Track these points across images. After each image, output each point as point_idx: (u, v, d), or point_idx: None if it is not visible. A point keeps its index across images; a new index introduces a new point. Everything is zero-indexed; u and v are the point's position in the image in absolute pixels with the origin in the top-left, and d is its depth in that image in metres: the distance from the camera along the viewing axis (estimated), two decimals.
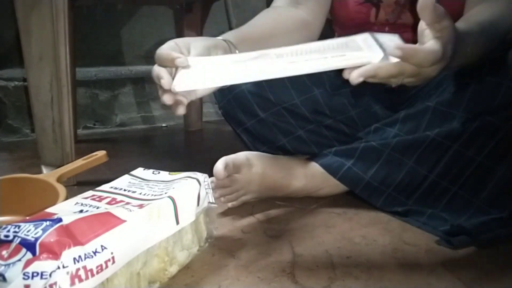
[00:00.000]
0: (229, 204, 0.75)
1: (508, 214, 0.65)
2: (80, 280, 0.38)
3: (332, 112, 0.81)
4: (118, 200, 0.52)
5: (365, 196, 0.75)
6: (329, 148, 0.79)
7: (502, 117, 0.64)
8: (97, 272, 0.39)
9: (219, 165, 0.70)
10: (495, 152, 0.66)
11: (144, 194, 0.54)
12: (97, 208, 0.48)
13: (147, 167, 0.65)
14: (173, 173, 0.62)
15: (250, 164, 0.75)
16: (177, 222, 0.52)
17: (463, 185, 0.68)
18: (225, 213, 0.73)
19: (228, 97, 0.81)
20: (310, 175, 0.78)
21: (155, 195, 0.53)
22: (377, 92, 0.85)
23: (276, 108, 0.79)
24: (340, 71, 0.87)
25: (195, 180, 0.58)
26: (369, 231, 0.67)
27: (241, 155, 0.75)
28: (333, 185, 0.77)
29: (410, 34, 0.85)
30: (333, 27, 1.01)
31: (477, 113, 0.66)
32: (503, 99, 0.64)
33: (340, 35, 0.99)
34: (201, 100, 1.57)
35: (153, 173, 0.63)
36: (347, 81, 0.87)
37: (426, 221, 0.69)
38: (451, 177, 0.69)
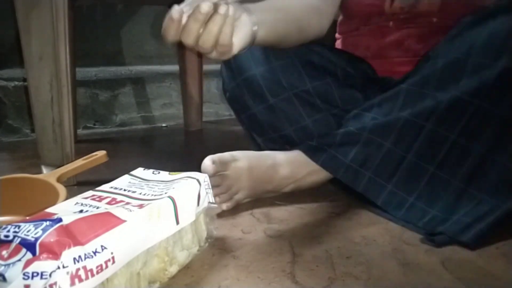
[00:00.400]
0: (224, 206, 0.74)
1: (488, 210, 0.65)
2: (80, 280, 0.38)
3: (342, 102, 0.82)
4: (118, 200, 0.52)
5: (347, 181, 0.76)
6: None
7: (470, 92, 0.65)
8: (97, 272, 0.39)
9: (207, 161, 0.71)
10: (468, 129, 0.67)
11: (144, 194, 0.54)
12: (97, 208, 0.48)
13: (147, 167, 0.65)
14: (173, 173, 0.62)
15: (235, 160, 0.75)
16: (177, 222, 0.52)
17: (440, 165, 0.69)
18: (225, 213, 0.73)
19: (238, 80, 0.82)
20: (294, 162, 0.78)
21: (155, 195, 0.53)
22: (386, 83, 0.86)
23: (287, 94, 0.79)
24: (350, 60, 0.88)
25: (195, 180, 0.58)
26: (369, 231, 0.67)
27: (226, 153, 0.75)
28: (317, 171, 0.78)
29: (425, 25, 0.86)
30: (338, 27, 1.01)
31: (446, 89, 0.67)
32: (470, 75, 0.65)
33: (344, 34, 0.99)
34: (201, 100, 1.57)
35: (153, 173, 0.63)
36: (355, 72, 0.88)
37: (406, 215, 0.70)
38: (428, 156, 0.70)
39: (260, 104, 0.81)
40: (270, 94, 0.80)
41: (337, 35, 1.02)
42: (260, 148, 0.88)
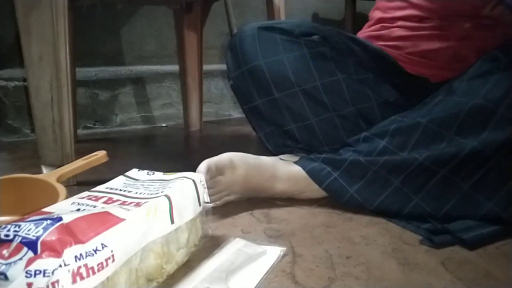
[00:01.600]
0: (212, 204, 0.73)
1: (489, 216, 0.65)
2: (82, 278, 0.38)
3: (352, 101, 0.78)
4: (114, 199, 0.52)
5: (351, 206, 0.74)
6: (335, 140, 0.78)
7: (493, 147, 0.63)
8: (98, 270, 0.39)
9: (201, 169, 0.69)
10: (483, 183, 0.65)
11: (140, 193, 0.54)
12: (94, 207, 0.48)
13: (147, 167, 0.65)
14: (168, 173, 0.62)
15: (233, 166, 0.73)
16: (173, 221, 0.52)
17: (448, 214, 0.67)
18: (225, 213, 0.73)
19: (243, 68, 0.78)
20: (293, 179, 0.77)
21: (151, 194, 0.53)
22: (399, 82, 0.83)
23: (294, 90, 0.76)
24: (370, 54, 0.83)
25: (190, 181, 0.58)
26: (369, 231, 0.67)
27: (224, 157, 0.73)
28: (315, 190, 0.76)
29: (492, 36, 0.79)
30: (386, 10, 0.89)
31: (467, 137, 0.65)
32: (496, 127, 0.63)
33: (394, 21, 0.87)
34: (201, 100, 1.57)
35: (147, 174, 0.63)
36: (375, 65, 0.82)
37: (410, 220, 0.69)
38: (437, 203, 0.68)
39: (264, 97, 0.77)
40: (276, 88, 0.76)
41: (381, 15, 0.89)
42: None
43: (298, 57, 0.77)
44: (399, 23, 0.85)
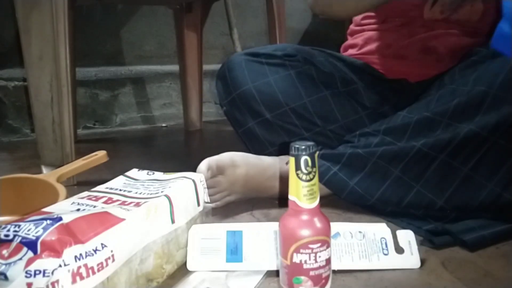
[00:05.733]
0: (213, 205, 0.73)
1: (491, 216, 0.65)
2: (82, 278, 0.38)
3: (341, 115, 0.80)
4: (114, 199, 0.52)
5: (351, 202, 0.74)
6: (330, 147, 0.79)
7: (488, 128, 0.63)
8: (98, 270, 0.39)
9: (202, 167, 0.70)
10: (482, 164, 0.65)
11: (140, 193, 0.54)
12: (94, 207, 0.48)
13: (147, 167, 0.65)
14: (168, 173, 0.62)
15: (234, 165, 0.73)
16: (173, 221, 0.52)
17: (450, 199, 0.67)
18: (225, 214, 0.73)
19: (233, 94, 0.80)
20: None
21: (151, 194, 0.53)
22: (381, 90, 0.85)
23: (283, 109, 0.78)
24: (353, 67, 0.86)
25: (190, 180, 0.58)
26: None
27: (226, 156, 0.74)
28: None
29: (458, 30, 0.83)
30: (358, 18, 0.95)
31: (463, 122, 0.65)
32: (490, 109, 0.63)
33: (365, 26, 0.92)
34: (201, 100, 1.57)
35: (147, 174, 0.63)
36: (358, 78, 0.85)
37: (411, 221, 0.69)
38: (437, 189, 0.68)
39: (256, 118, 0.80)
40: (266, 109, 0.79)
41: (353, 27, 0.96)
42: None
43: (284, 77, 0.80)
44: (366, 27, 0.91)
